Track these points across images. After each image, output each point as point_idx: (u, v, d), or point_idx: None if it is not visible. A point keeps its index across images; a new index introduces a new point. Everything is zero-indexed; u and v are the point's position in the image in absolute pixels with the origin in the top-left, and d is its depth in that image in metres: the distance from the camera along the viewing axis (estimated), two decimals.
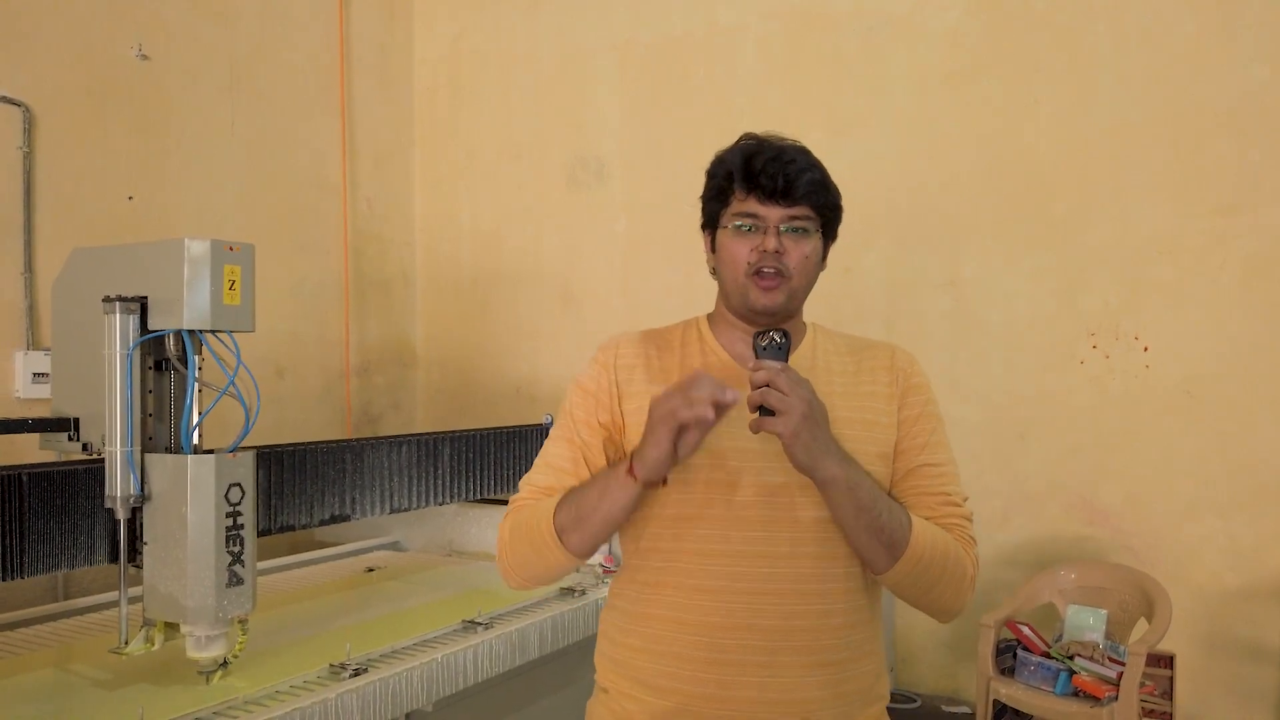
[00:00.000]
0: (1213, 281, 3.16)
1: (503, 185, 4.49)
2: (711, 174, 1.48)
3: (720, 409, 1.26)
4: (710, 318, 1.54)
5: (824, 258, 1.48)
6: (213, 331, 1.81)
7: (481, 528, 3.26)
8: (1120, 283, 3.29)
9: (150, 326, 1.79)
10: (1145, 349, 3.25)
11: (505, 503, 3.63)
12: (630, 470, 1.33)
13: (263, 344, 3.86)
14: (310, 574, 3.02)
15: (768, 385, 1.27)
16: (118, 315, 1.77)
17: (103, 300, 1.78)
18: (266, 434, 3.77)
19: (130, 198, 3.42)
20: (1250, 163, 3.10)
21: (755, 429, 1.29)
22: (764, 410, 1.28)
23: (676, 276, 4.00)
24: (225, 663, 1.88)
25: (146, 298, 1.79)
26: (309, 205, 4.11)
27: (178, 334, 1.79)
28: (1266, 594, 3.08)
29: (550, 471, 1.50)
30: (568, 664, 2.61)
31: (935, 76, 3.56)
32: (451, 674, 2.15)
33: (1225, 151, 3.13)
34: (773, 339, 1.33)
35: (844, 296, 3.59)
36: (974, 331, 3.50)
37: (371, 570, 3.05)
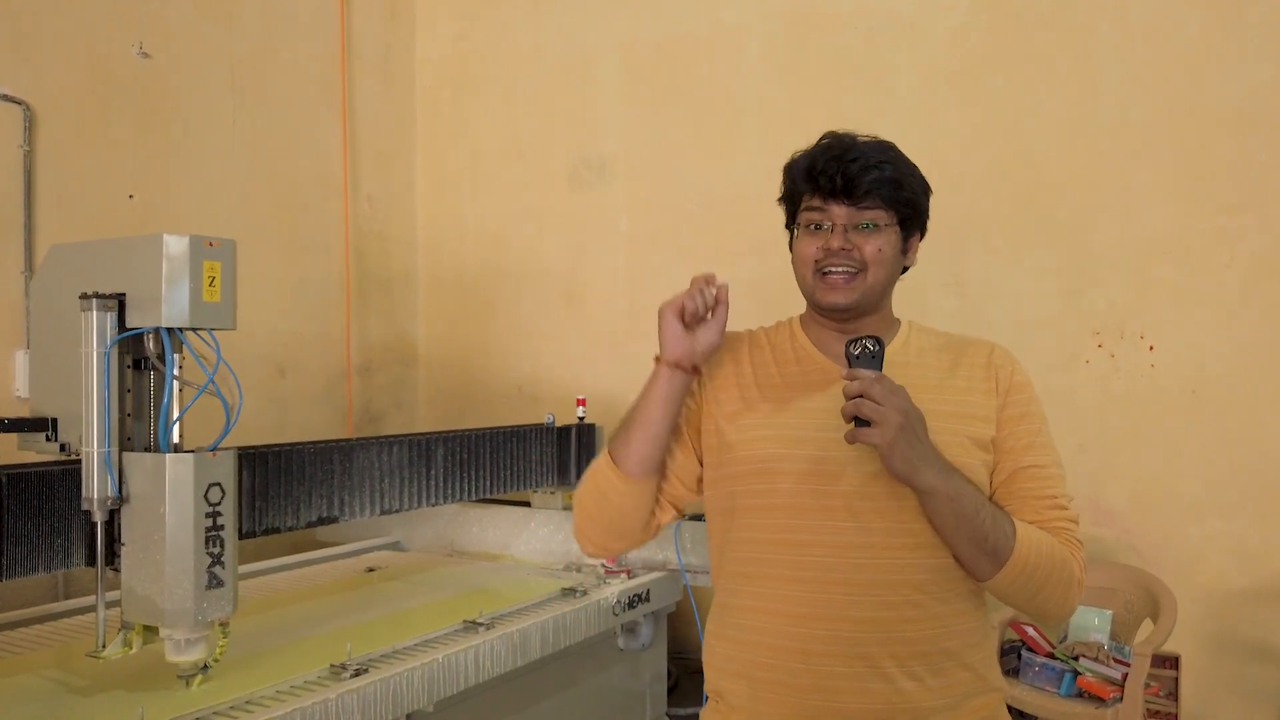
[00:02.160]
0: (1218, 281, 3.14)
1: (505, 184, 4.48)
2: (785, 173, 1.51)
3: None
4: (803, 318, 1.57)
5: (906, 251, 1.51)
6: (193, 329, 1.77)
7: (482, 528, 3.25)
8: (1125, 282, 3.27)
9: (128, 324, 1.75)
10: (1150, 349, 3.23)
11: (508, 503, 3.62)
12: (656, 358, 1.41)
13: (264, 343, 3.86)
14: (311, 574, 3.01)
15: (861, 396, 1.26)
16: (94, 313, 1.73)
17: (79, 297, 1.74)
18: (269, 433, 3.78)
19: (131, 196, 3.41)
20: (1256, 162, 3.08)
21: (851, 440, 1.28)
22: (859, 421, 1.27)
23: (680, 276, 3.95)
24: (205, 666, 1.84)
25: (125, 294, 1.75)
26: (311, 204, 4.10)
27: (156, 332, 1.75)
28: (1273, 595, 3.06)
29: None
30: (569, 665, 2.60)
31: (939, 76, 3.55)
32: (452, 674, 2.14)
33: (1231, 151, 3.12)
34: (865, 347, 1.31)
35: None
36: (979, 331, 3.42)
37: (372, 570, 3.04)
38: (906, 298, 3.54)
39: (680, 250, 3.98)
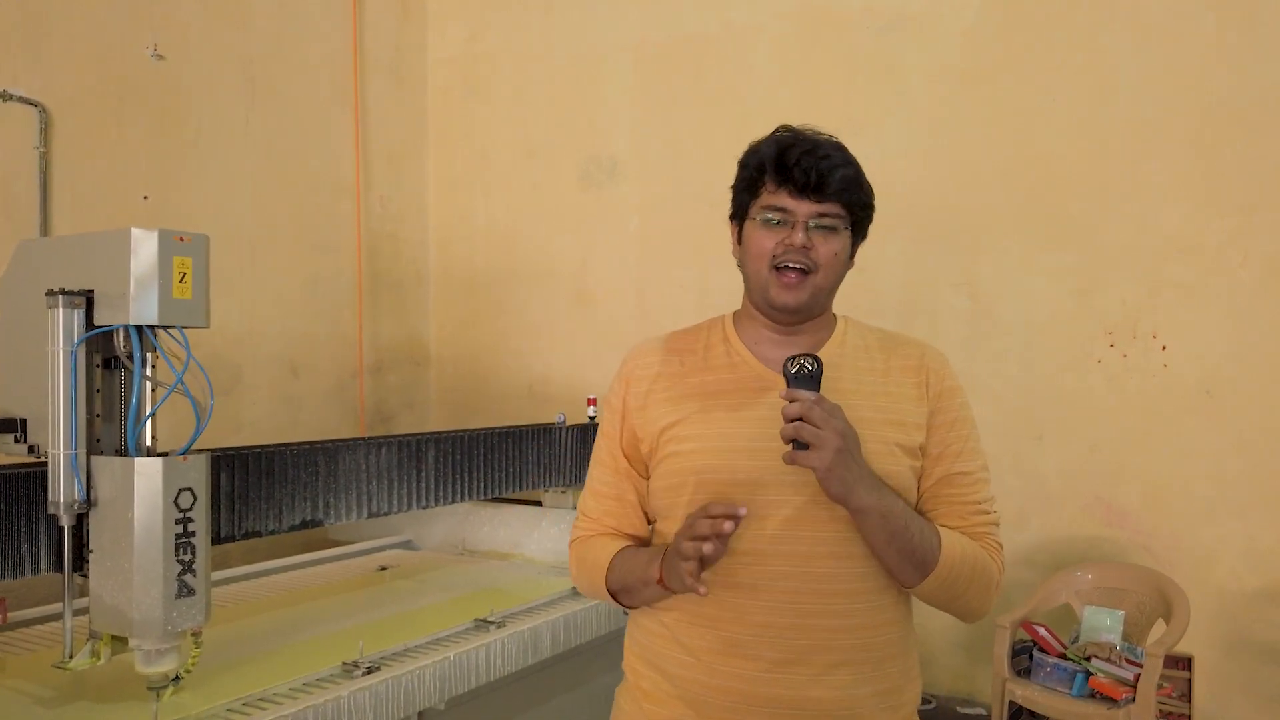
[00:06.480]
0: (1232, 280, 3.12)
1: (516, 184, 4.49)
2: (744, 164, 1.47)
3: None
4: (736, 316, 1.54)
5: (852, 255, 1.48)
6: (163, 327, 1.70)
7: (494, 527, 3.25)
8: (1138, 281, 3.26)
9: (97, 322, 1.68)
10: (1163, 348, 3.22)
11: (514, 502, 3.62)
12: (660, 580, 1.37)
13: (277, 343, 3.89)
14: (323, 572, 3.02)
15: (800, 419, 1.26)
16: (60, 310, 1.67)
17: (46, 294, 1.68)
18: (282, 433, 3.80)
19: (146, 197, 3.43)
20: (1270, 161, 3.06)
21: (790, 462, 1.28)
22: (798, 444, 1.26)
23: (690, 275, 3.99)
24: (177, 678, 1.76)
25: (92, 292, 1.69)
26: (323, 204, 4.12)
27: (125, 330, 1.68)
28: None
29: (597, 500, 1.55)
30: (580, 663, 2.61)
31: (951, 76, 3.54)
32: (464, 673, 2.15)
33: (1244, 150, 3.10)
34: (804, 366, 1.30)
35: (859, 295, 3.55)
36: (990, 331, 3.48)
37: (384, 569, 3.05)
38: (918, 298, 3.57)
39: (690, 250, 3.98)
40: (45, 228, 3.13)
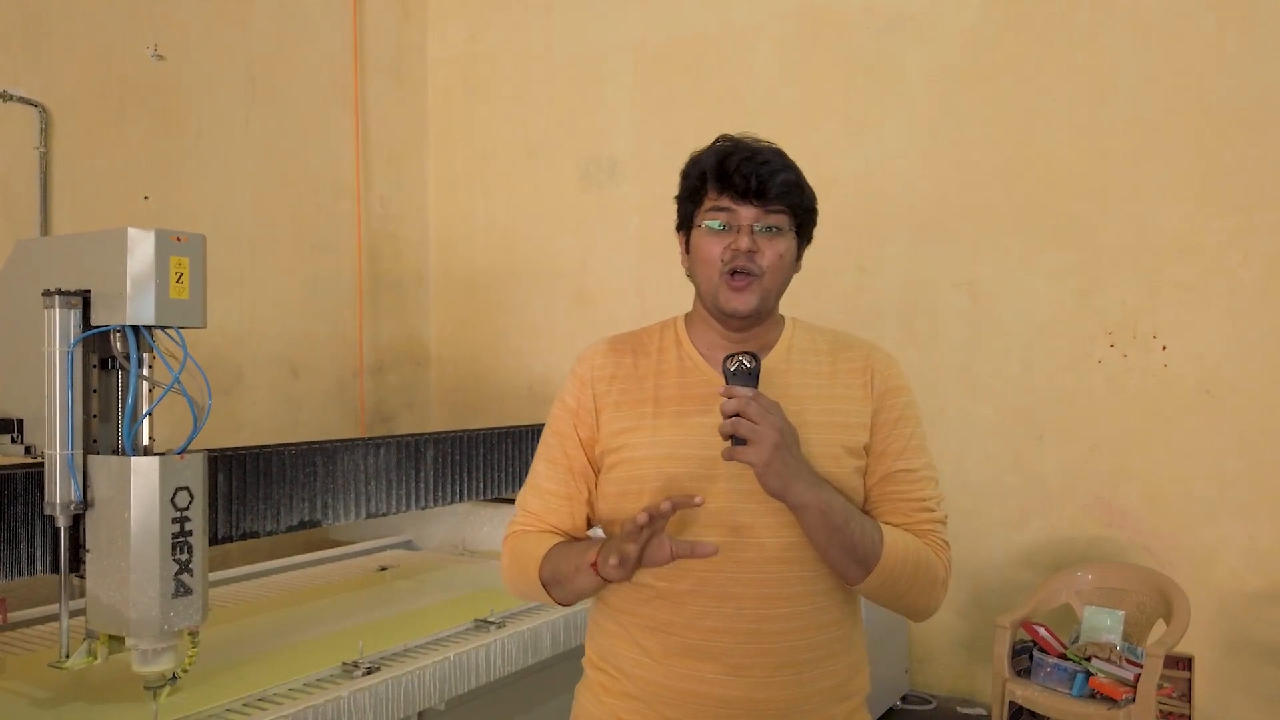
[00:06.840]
0: (1232, 280, 3.12)
1: (516, 184, 4.49)
2: (686, 174, 1.52)
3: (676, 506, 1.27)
4: (688, 318, 1.57)
5: (798, 258, 1.49)
6: (160, 327, 1.70)
7: (494, 526, 3.25)
8: (1138, 282, 3.26)
9: (94, 322, 1.68)
10: (1164, 348, 3.22)
11: (514, 502, 3.62)
12: (594, 565, 1.36)
13: (277, 343, 3.89)
14: (323, 572, 3.02)
15: (738, 414, 1.27)
16: (57, 310, 1.66)
17: (42, 294, 1.68)
18: (282, 433, 3.80)
19: (146, 198, 3.43)
20: (1270, 161, 3.07)
21: (728, 458, 1.29)
22: (736, 439, 1.28)
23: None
24: (174, 677, 1.76)
25: (89, 291, 1.68)
26: (324, 204, 4.12)
27: (122, 330, 1.68)
28: None
29: (538, 495, 1.55)
30: (580, 663, 2.60)
31: (951, 76, 3.54)
32: (464, 673, 2.15)
33: (1244, 150, 3.10)
34: (742, 364, 1.31)
35: (860, 295, 3.57)
36: (991, 331, 3.48)
37: (384, 569, 3.05)
38: (918, 298, 3.57)
39: None
40: (45, 227, 3.13)
